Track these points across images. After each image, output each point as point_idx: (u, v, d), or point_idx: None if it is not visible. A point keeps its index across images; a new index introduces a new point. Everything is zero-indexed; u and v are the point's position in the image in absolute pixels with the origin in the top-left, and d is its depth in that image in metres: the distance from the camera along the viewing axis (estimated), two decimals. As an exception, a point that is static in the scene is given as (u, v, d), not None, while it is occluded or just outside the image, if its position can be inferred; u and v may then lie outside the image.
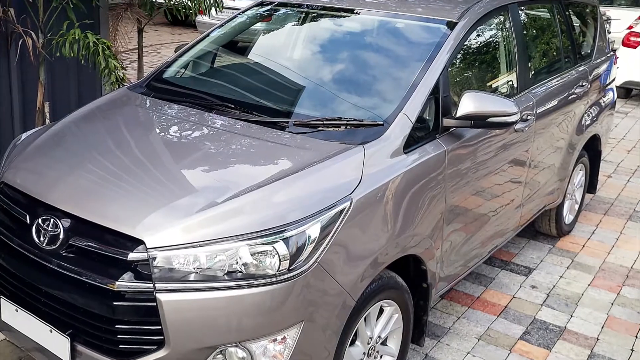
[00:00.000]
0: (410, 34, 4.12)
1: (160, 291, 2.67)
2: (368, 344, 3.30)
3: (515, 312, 4.52)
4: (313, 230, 2.81)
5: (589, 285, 4.94)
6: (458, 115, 3.53)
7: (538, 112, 4.51)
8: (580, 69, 5.39)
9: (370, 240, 3.08)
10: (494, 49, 4.46)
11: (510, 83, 4.42)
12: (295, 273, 2.75)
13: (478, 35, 4.23)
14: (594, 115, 5.58)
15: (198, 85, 4.13)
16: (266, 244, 2.73)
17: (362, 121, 3.42)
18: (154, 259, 2.69)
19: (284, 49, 4.57)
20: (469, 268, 4.21)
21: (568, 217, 5.70)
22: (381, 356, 3.47)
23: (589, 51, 5.80)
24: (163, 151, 3.37)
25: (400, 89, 3.58)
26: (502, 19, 4.44)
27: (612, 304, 4.69)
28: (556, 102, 4.83)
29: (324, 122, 3.42)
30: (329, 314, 2.91)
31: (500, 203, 4.30)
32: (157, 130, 3.61)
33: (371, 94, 3.82)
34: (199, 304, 2.70)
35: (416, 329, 3.67)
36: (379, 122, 3.39)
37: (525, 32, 4.74)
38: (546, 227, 5.56)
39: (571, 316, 4.51)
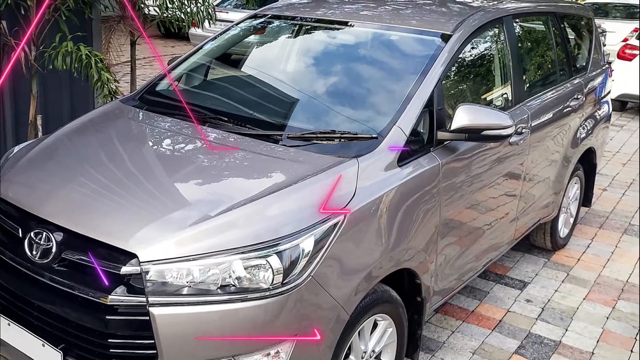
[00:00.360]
0: (404, 47, 4.15)
1: (153, 305, 2.69)
2: (362, 358, 3.31)
3: (509, 326, 4.54)
4: (307, 243, 2.83)
5: (584, 299, 4.97)
6: (452, 128, 3.56)
7: (533, 125, 4.55)
8: (575, 82, 5.43)
9: (364, 253, 3.09)
10: (489, 62, 4.50)
11: (505, 96, 4.46)
12: (288, 287, 2.76)
13: (473, 48, 4.27)
14: (589, 128, 5.62)
15: (191, 98, 4.15)
16: (260, 257, 2.75)
17: (356, 134, 3.44)
18: (147, 272, 2.71)
19: (277, 61, 4.61)
20: (463, 282, 4.24)
21: (563, 231, 5.73)
22: (375, 370, 3.49)
23: (584, 64, 5.85)
24: (156, 164, 3.40)
25: (395, 102, 3.60)
26: (497, 32, 4.48)
27: (607, 318, 4.71)
28: (551, 115, 4.87)
29: (318, 135, 3.45)
30: (323, 328, 2.92)
31: (495, 216, 4.32)
32: (150, 144, 3.64)
33: (365, 107, 3.84)
34: (192, 317, 2.72)
35: (410, 343, 3.68)
36: (373, 135, 3.41)
37: (520, 44, 4.78)
38: (541, 241, 5.59)
39: (566, 330, 4.53)
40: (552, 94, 5.02)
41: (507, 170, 4.33)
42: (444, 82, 3.80)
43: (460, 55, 4.05)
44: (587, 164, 5.89)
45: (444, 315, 4.60)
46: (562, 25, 5.52)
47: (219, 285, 2.73)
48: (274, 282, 2.74)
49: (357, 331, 3.19)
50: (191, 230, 2.81)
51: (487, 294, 4.95)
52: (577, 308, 4.83)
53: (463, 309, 4.72)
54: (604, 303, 4.93)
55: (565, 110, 5.12)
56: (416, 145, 3.53)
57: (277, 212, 2.94)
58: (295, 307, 2.80)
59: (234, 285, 2.73)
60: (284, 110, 3.94)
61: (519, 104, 4.49)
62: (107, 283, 2.75)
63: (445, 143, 3.67)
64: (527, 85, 4.80)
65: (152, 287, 2.70)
